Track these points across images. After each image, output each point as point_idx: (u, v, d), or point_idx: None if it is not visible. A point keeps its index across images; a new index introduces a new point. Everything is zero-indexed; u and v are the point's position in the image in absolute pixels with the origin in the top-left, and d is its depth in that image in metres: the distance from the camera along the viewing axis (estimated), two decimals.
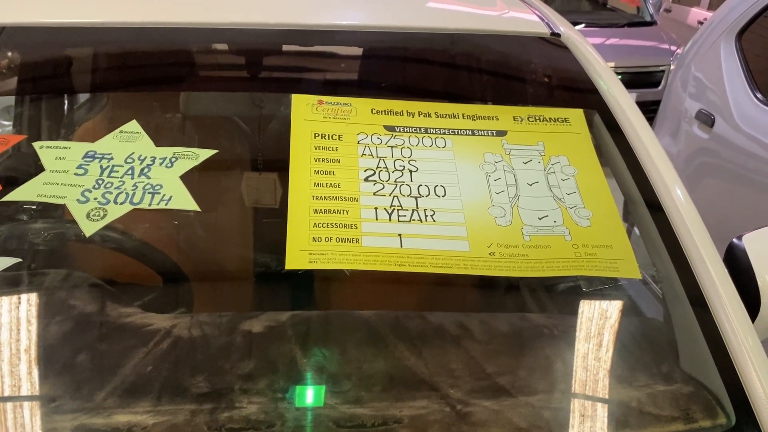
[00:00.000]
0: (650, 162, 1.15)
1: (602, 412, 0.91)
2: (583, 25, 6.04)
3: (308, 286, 1.18)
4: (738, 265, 1.08)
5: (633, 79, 5.54)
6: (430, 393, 0.91)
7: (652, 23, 6.45)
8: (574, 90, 1.32)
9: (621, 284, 1.12)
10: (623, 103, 1.25)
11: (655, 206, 1.10)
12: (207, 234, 1.32)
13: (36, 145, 1.03)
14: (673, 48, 5.84)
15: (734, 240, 1.11)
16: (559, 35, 1.36)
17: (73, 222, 0.97)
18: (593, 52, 1.36)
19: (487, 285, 1.19)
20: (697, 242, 1.03)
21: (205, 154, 1.05)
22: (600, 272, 0.98)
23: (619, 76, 5.78)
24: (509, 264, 0.96)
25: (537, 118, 1.17)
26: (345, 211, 0.98)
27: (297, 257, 0.92)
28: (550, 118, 1.17)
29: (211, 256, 1.35)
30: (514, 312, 1.15)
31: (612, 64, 5.55)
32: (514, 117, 1.16)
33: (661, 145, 1.21)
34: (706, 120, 2.87)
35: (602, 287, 1.08)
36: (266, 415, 0.85)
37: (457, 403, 0.89)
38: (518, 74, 1.39)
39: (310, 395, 0.92)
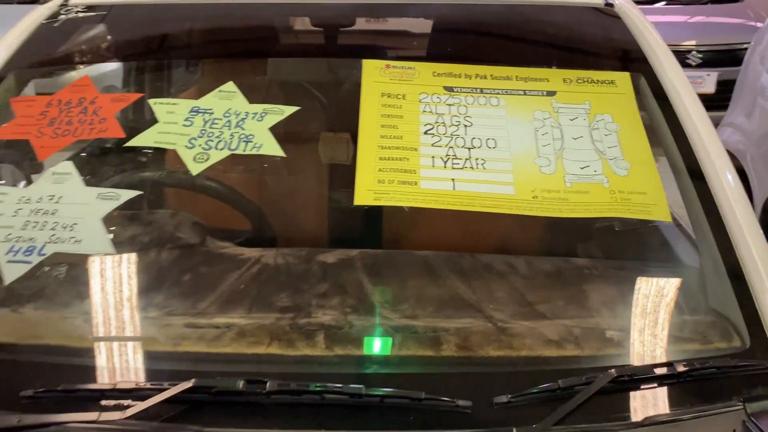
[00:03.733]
0: (692, 125, 1.23)
1: (628, 335, 1.03)
2: (663, 2, 5.91)
3: (376, 225, 1.35)
4: None
5: (716, 58, 5.38)
6: (475, 313, 1.06)
7: None
8: (624, 57, 1.42)
9: (657, 227, 1.22)
10: (670, 70, 1.34)
11: (694, 168, 1.18)
12: (289, 181, 1.52)
13: (151, 101, 1.24)
14: (760, 25, 5.63)
15: None
16: (612, 5, 1.46)
17: (177, 169, 1.17)
18: (645, 22, 1.45)
19: (533, 229, 1.32)
20: (729, 192, 1.12)
21: (290, 110, 1.22)
22: (633, 214, 1.09)
23: (701, 54, 5.64)
24: (550, 206, 1.09)
25: (585, 80, 1.28)
26: (406, 159, 1.13)
27: (364, 195, 1.08)
28: (597, 80, 1.28)
29: (292, 200, 1.54)
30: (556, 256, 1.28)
31: (693, 42, 5.41)
32: (563, 79, 1.28)
33: (707, 114, 1.27)
34: None
35: (636, 228, 1.19)
36: (337, 321, 1.02)
37: (498, 321, 1.03)
38: (572, 42, 1.49)
39: (373, 310, 1.08)
